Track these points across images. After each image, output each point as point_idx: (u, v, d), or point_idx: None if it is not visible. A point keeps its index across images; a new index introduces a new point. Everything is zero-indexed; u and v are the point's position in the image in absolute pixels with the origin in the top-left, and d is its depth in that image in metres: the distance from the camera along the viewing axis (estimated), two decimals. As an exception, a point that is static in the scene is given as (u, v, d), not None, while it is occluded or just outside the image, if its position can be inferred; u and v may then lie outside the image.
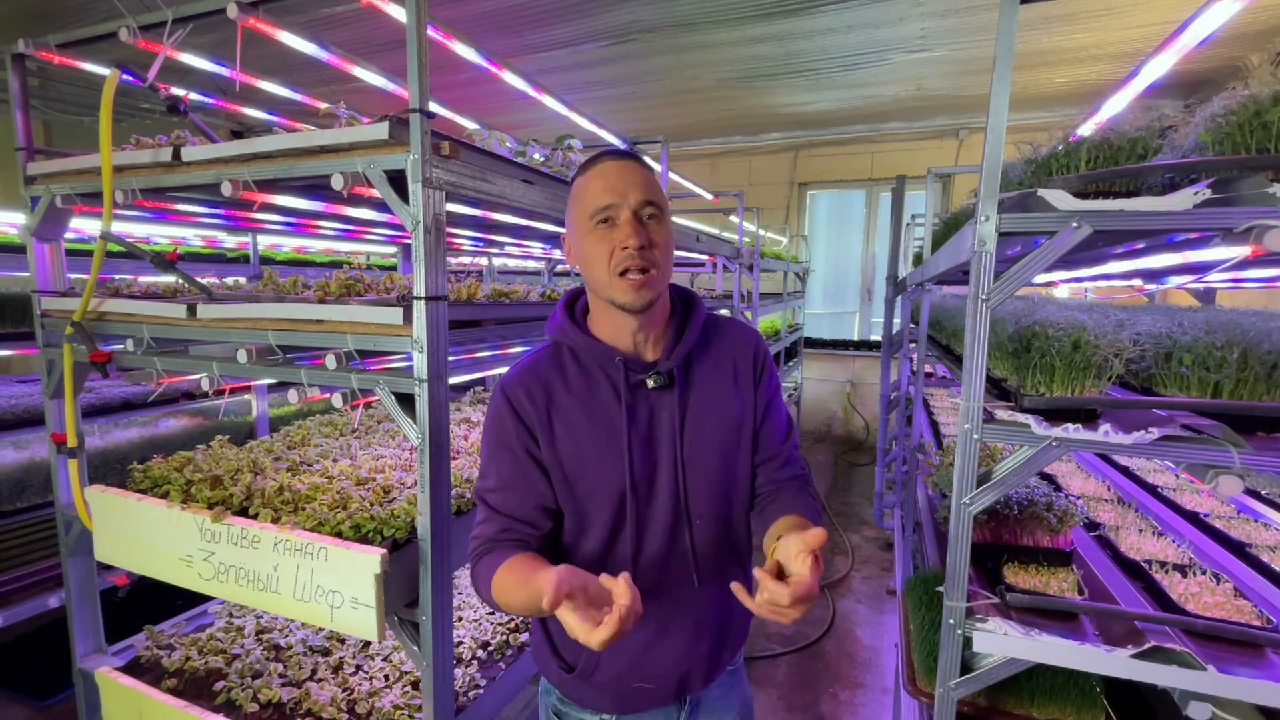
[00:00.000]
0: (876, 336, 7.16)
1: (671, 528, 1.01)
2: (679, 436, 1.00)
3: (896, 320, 4.46)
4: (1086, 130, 1.51)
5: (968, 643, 1.19)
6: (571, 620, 0.72)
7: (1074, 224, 1.04)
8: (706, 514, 1.03)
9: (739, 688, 1.19)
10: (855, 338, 7.39)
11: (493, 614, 2.00)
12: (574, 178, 1.00)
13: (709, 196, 4.99)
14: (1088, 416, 1.13)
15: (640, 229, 0.92)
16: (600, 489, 0.99)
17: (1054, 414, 1.13)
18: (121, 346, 1.70)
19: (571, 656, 1.06)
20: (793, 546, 0.79)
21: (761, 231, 5.29)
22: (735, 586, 0.81)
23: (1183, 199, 0.98)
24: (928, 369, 3.68)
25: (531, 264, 5.21)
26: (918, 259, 3.90)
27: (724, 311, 4.36)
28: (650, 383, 0.99)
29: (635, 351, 1.01)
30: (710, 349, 1.06)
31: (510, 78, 2.20)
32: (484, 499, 1.02)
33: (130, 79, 1.58)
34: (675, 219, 4.44)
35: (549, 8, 3.71)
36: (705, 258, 4.16)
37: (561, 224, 2.10)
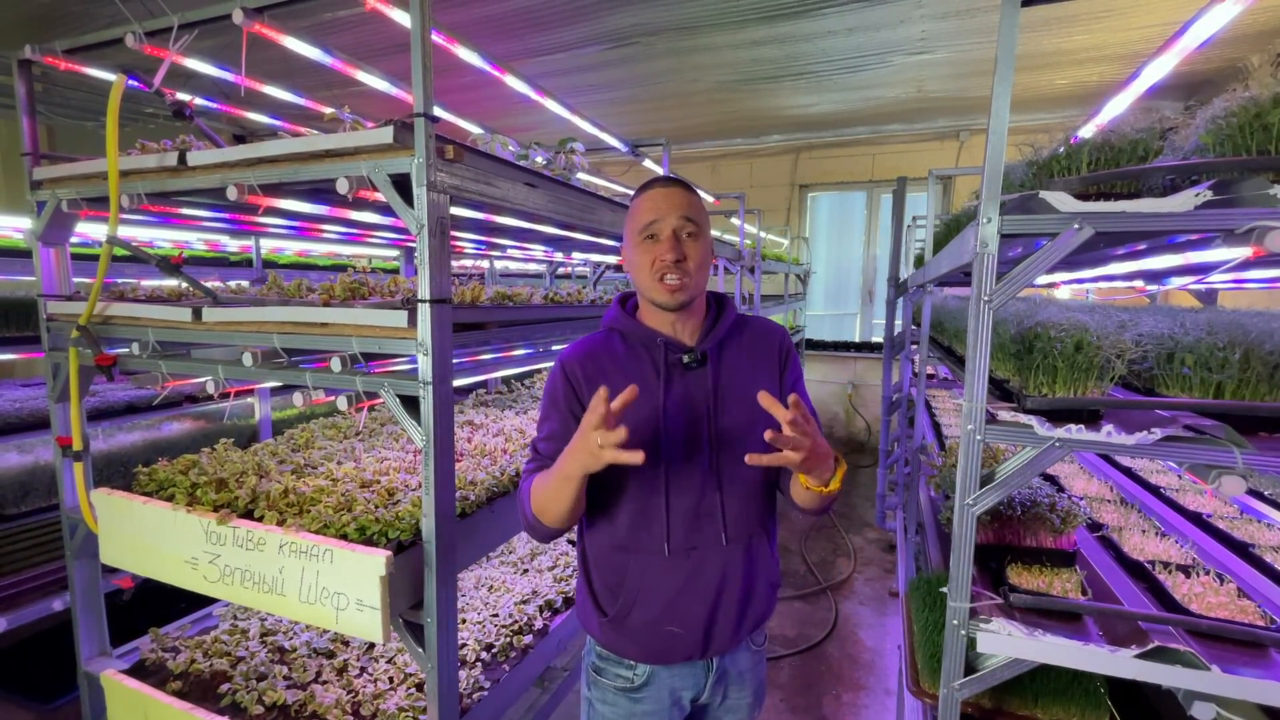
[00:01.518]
0: (878, 338, 7.16)
1: (701, 488, 1.15)
2: (712, 409, 1.15)
3: (898, 322, 4.47)
4: (1087, 132, 1.51)
5: (972, 644, 1.19)
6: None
7: (1076, 225, 1.04)
8: (735, 479, 1.16)
9: (758, 670, 1.29)
10: (856, 339, 7.39)
11: (496, 616, 2.01)
12: (632, 199, 1.20)
13: (710, 199, 5.00)
14: (1090, 417, 1.14)
15: (676, 245, 1.11)
16: (637, 447, 1.05)
17: (1057, 415, 1.13)
18: (127, 350, 1.71)
19: (608, 604, 1.20)
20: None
21: (762, 233, 5.29)
22: (763, 395, 0.96)
23: (1184, 200, 0.99)
24: (929, 370, 3.68)
25: (533, 267, 5.22)
26: (919, 260, 3.91)
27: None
28: (685, 359, 1.16)
29: (675, 336, 1.18)
30: (740, 338, 1.22)
31: (513, 81, 2.21)
32: (536, 447, 1.20)
33: (136, 84, 1.59)
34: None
35: (550, 12, 3.72)
36: (707, 260, 4.16)
37: (564, 226, 2.13)
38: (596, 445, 0.95)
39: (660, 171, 3.07)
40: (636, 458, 0.94)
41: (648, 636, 1.17)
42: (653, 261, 1.12)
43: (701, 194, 5.00)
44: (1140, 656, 1.08)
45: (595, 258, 3.79)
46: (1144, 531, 1.60)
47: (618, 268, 4.96)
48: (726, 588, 1.17)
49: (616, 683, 1.22)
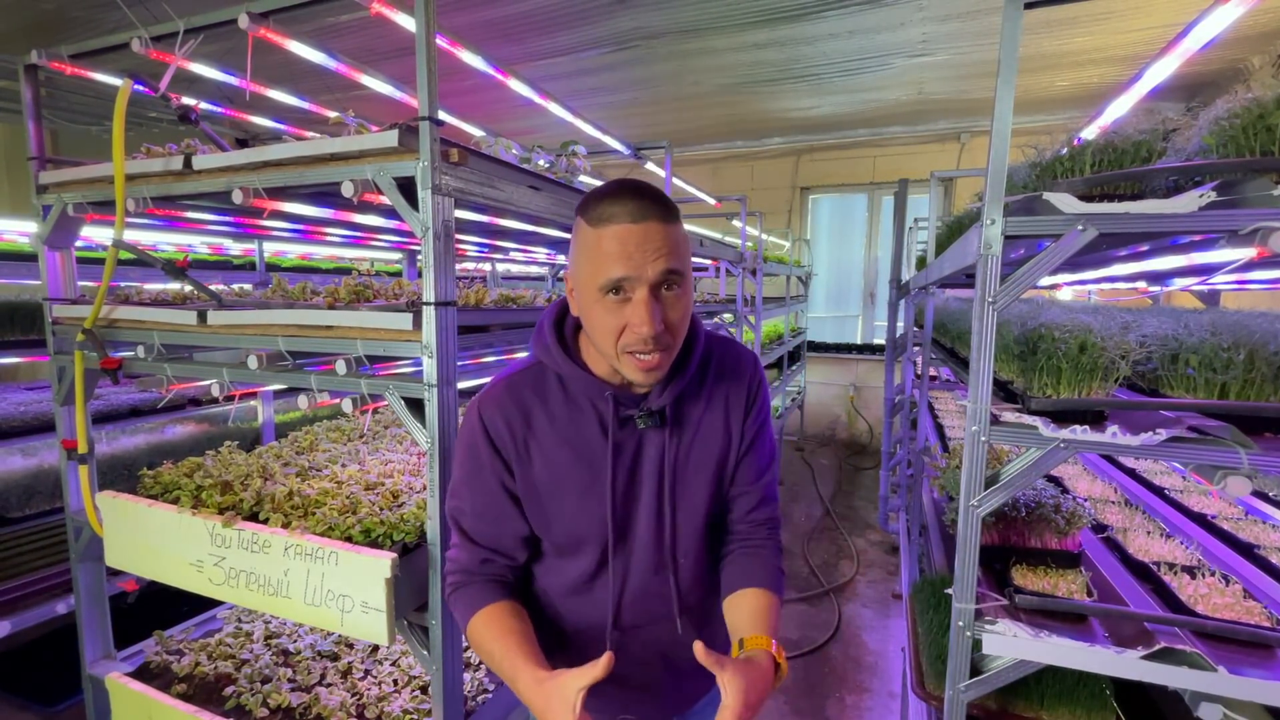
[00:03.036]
0: (879, 340, 7.16)
1: (655, 569, 0.98)
2: (666, 477, 0.96)
3: (900, 324, 4.47)
4: (1090, 133, 1.51)
5: (977, 645, 1.19)
6: None
7: (1079, 227, 1.04)
8: (690, 555, 1.00)
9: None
10: (858, 341, 7.39)
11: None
12: (583, 207, 0.86)
13: (711, 201, 5.01)
14: (1095, 418, 1.14)
15: (656, 308, 0.83)
16: (580, 528, 0.95)
17: (1061, 416, 1.13)
18: (132, 353, 1.71)
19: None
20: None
21: (764, 236, 5.30)
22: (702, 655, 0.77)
23: (1188, 201, 0.99)
24: (931, 372, 3.68)
25: (535, 269, 5.23)
26: (921, 262, 3.91)
27: (726, 317, 4.37)
28: (640, 423, 0.93)
29: (624, 384, 0.94)
30: (705, 382, 0.99)
31: (516, 85, 2.22)
32: (458, 522, 0.98)
33: (142, 89, 1.60)
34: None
35: (552, 15, 3.74)
36: (708, 262, 4.17)
37: (566, 229, 2.13)
38: None
39: (662, 175, 3.06)
40: None
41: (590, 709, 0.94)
42: (623, 328, 0.84)
43: (703, 196, 4.92)
44: (1146, 658, 1.08)
45: (597, 260, 3.79)
46: (1149, 533, 1.60)
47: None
48: (684, 674, 1.04)
49: None
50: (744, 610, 0.94)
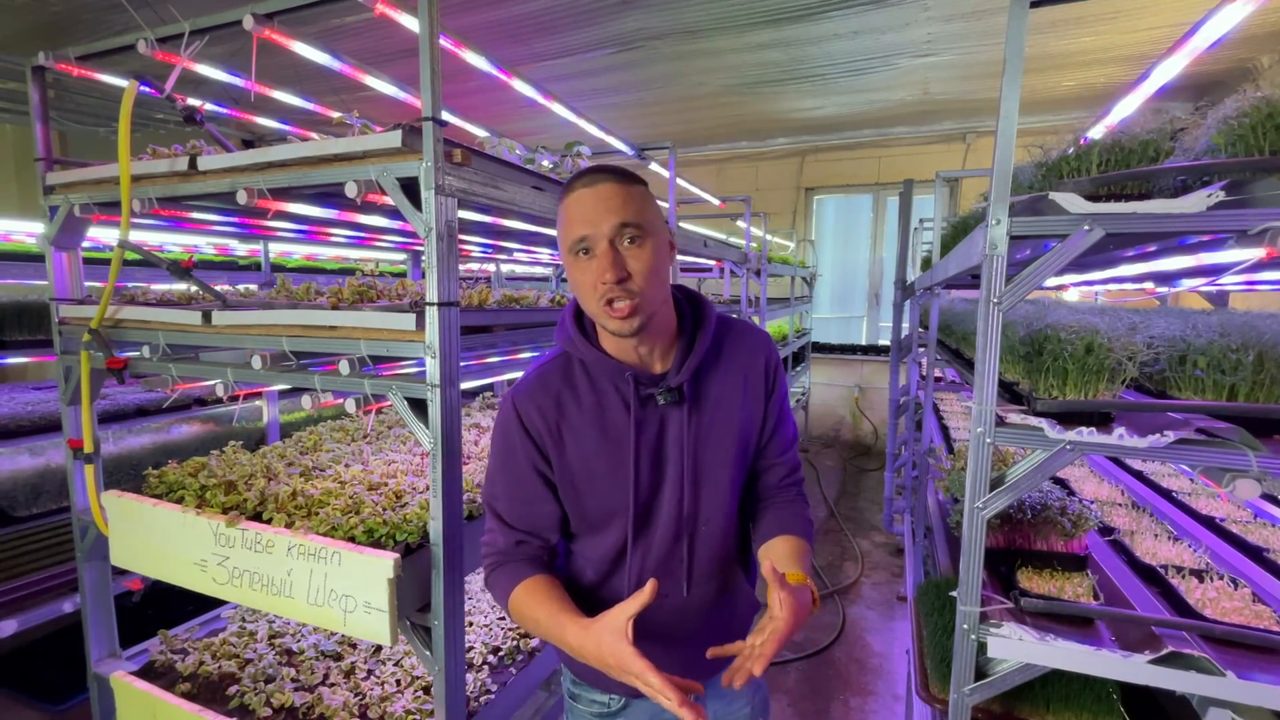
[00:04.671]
0: (884, 341, 7.13)
1: (671, 535, 1.04)
2: (687, 451, 1.01)
3: (905, 324, 4.45)
4: (1096, 133, 1.50)
5: (982, 648, 1.18)
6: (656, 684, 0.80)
7: (1086, 227, 1.03)
8: (711, 523, 1.05)
9: (756, 686, 1.20)
10: (863, 342, 7.37)
11: (503, 619, 2.00)
12: (559, 199, 0.98)
13: (716, 202, 5.00)
14: (1101, 420, 1.13)
15: (617, 259, 0.90)
16: (608, 503, 1.02)
17: (1067, 417, 1.13)
18: (137, 353, 1.72)
19: None
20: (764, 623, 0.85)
21: (768, 236, 5.29)
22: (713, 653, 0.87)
23: (1196, 201, 0.98)
24: (936, 373, 3.66)
25: (539, 270, 5.23)
26: (926, 263, 3.89)
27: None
28: (660, 399, 1.00)
29: (642, 364, 1.01)
30: (721, 359, 1.05)
31: (520, 85, 2.22)
32: (493, 507, 1.05)
33: (148, 90, 1.61)
34: (683, 224, 4.45)
35: (555, 16, 3.74)
36: (713, 263, 4.17)
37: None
38: (632, 678, 0.81)
39: (665, 175, 3.06)
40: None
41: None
42: (594, 284, 0.92)
43: (707, 197, 4.93)
44: (1154, 662, 1.07)
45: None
46: (1156, 535, 1.58)
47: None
48: (691, 634, 1.07)
49: (592, 709, 1.13)
50: (780, 552, 1.00)
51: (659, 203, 1.10)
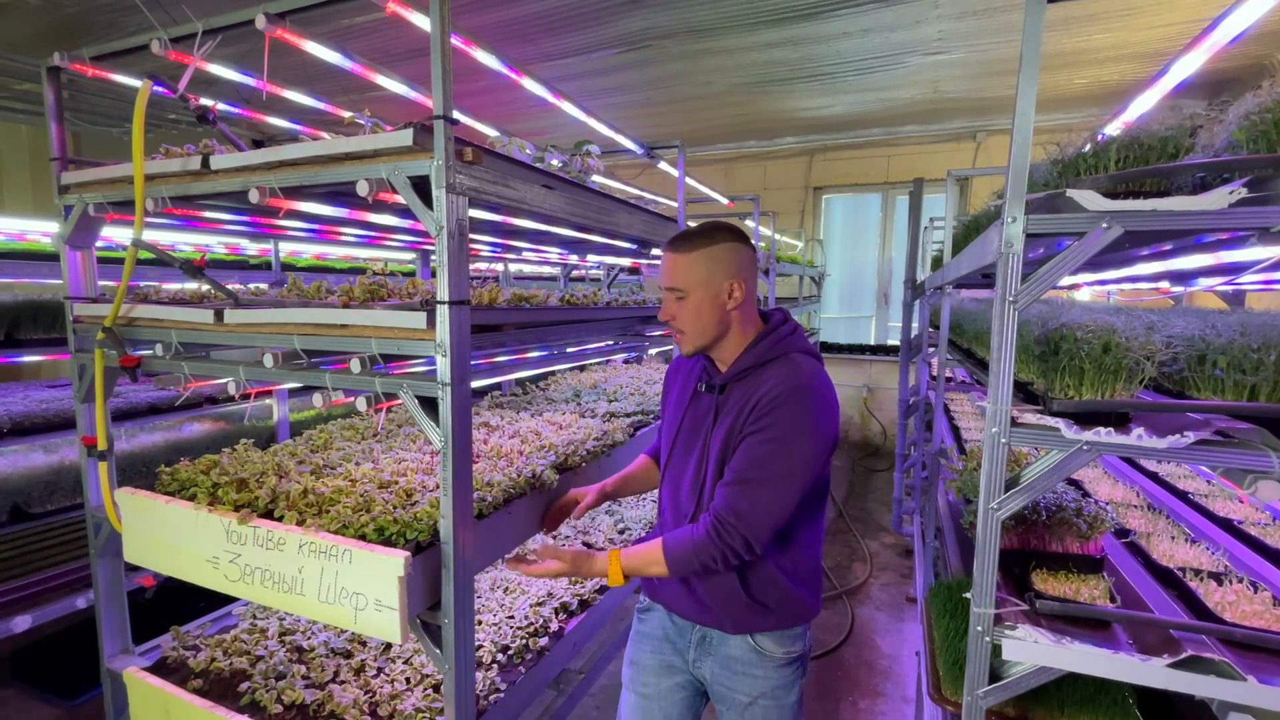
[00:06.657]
0: (893, 341, 7.10)
1: (686, 493, 1.40)
2: (707, 432, 1.38)
3: (915, 324, 4.42)
4: (1112, 130, 1.49)
5: (996, 650, 1.17)
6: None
7: (1104, 224, 1.02)
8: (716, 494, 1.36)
9: (759, 674, 1.38)
10: (872, 342, 7.33)
11: (512, 618, 2.00)
12: None
13: (724, 201, 4.99)
14: (1119, 420, 1.11)
15: (667, 307, 1.37)
16: (665, 442, 1.51)
17: (1084, 417, 1.11)
18: (150, 352, 1.73)
19: None
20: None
21: (777, 236, 5.27)
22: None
23: (1218, 198, 0.96)
24: (947, 374, 3.63)
25: (547, 269, 5.24)
26: (936, 262, 3.87)
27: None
28: (703, 386, 1.43)
29: (713, 362, 1.43)
30: (749, 379, 1.35)
31: (530, 84, 2.22)
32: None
33: (161, 90, 1.62)
34: (691, 224, 4.44)
35: (564, 16, 3.74)
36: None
37: (580, 228, 2.14)
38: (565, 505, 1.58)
39: (674, 174, 3.06)
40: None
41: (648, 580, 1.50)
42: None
43: (716, 196, 4.95)
44: (1173, 666, 1.05)
45: (610, 260, 3.79)
46: (1173, 538, 1.56)
47: (632, 270, 4.98)
48: (691, 580, 1.38)
49: (639, 604, 1.59)
50: (640, 546, 1.37)
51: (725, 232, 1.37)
